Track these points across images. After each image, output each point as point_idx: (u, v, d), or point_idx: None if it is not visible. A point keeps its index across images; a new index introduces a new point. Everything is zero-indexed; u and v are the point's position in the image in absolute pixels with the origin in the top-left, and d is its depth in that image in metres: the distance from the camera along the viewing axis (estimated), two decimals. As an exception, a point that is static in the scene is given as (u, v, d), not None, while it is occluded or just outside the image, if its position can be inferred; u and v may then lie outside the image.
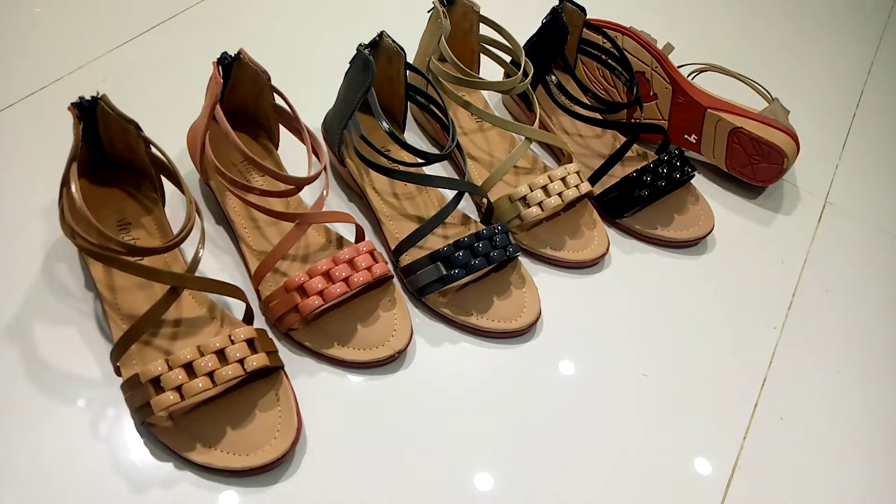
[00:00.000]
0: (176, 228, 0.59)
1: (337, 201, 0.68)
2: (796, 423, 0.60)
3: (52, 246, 0.60)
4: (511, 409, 0.57)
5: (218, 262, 0.62)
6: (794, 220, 0.77)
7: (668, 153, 0.71)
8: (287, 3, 0.90)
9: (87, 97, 0.51)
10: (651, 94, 0.78)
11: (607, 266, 0.68)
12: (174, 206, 0.62)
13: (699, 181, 0.78)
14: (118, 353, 0.49)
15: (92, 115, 0.52)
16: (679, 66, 0.80)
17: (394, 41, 0.62)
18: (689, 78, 0.80)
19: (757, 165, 0.75)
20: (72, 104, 0.51)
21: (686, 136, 0.78)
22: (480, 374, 0.58)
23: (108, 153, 0.58)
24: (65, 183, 0.51)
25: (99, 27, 0.81)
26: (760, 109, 0.76)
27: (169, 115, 0.68)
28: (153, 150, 0.55)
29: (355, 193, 0.68)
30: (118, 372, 0.51)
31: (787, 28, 1.05)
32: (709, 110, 0.75)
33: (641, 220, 0.71)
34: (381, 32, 0.62)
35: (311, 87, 0.69)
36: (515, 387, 0.58)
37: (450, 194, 0.67)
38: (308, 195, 0.64)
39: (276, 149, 0.66)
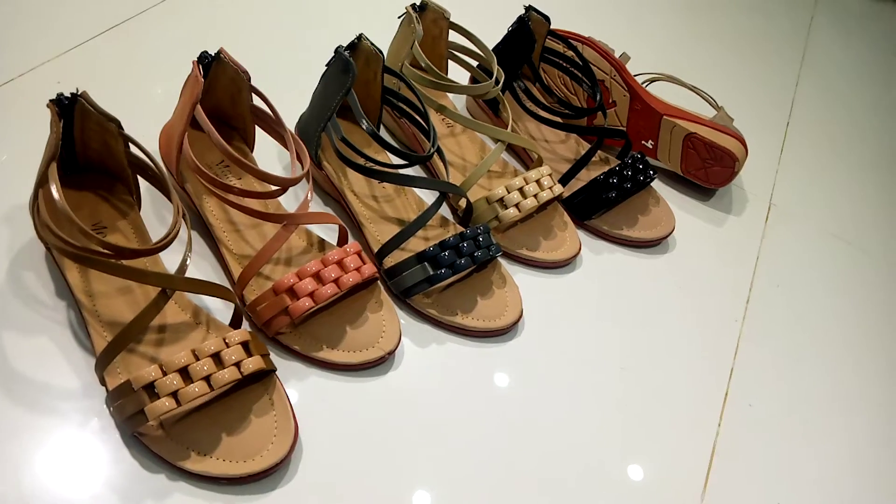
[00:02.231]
0: (152, 232, 0.57)
1: (313, 205, 0.67)
2: (764, 408, 0.64)
3: (17, 253, 0.56)
4: (499, 404, 0.57)
5: (196, 268, 0.60)
6: (744, 221, 0.82)
7: (632, 157, 0.74)
8: (246, 7, 0.89)
9: (67, 94, 0.49)
10: (610, 101, 0.82)
11: (579, 266, 0.70)
12: (147, 210, 0.60)
13: (656, 184, 0.81)
14: (104, 362, 0.47)
15: (70, 112, 0.50)
16: (634, 76, 0.83)
17: (372, 44, 0.62)
18: (644, 86, 0.84)
19: (710, 169, 0.79)
20: (51, 101, 0.49)
21: (643, 142, 0.81)
22: (468, 372, 0.59)
23: (79, 154, 0.55)
24: (42, 183, 0.48)
25: (50, 28, 0.77)
26: (710, 117, 0.80)
27: (131, 117, 0.65)
28: (133, 150, 0.53)
29: (332, 198, 0.68)
30: (102, 382, 0.48)
31: (717, 45, 1.12)
32: (665, 117, 0.79)
33: (608, 221, 0.73)
34: (360, 35, 0.62)
35: (278, 90, 0.68)
36: (502, 383, 0.59)
37: (427, 196, 0.68)
38: (284, 199, 0.63)
39: (252, 151, 0.65)
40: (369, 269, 0.57)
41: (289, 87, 0.69)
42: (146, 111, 0.66)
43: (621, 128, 0.82)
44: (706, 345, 0.67)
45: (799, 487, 0.59)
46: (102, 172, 0.57)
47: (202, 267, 0.60)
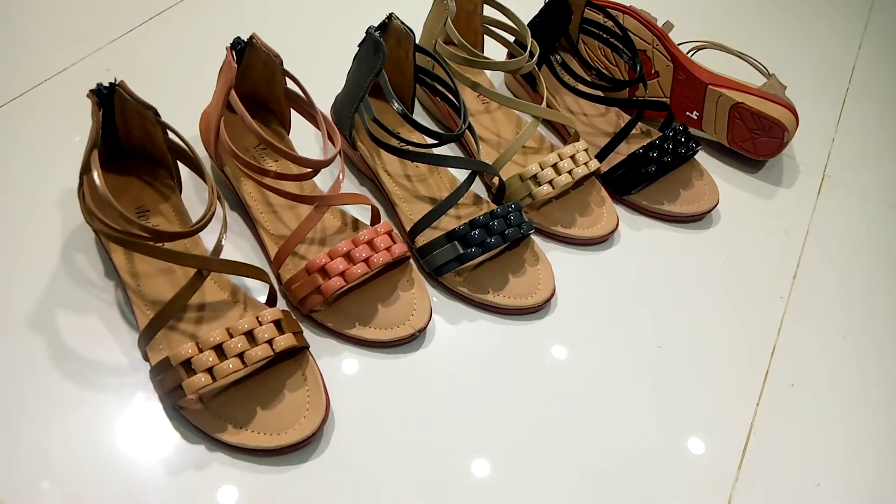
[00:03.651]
0: (193, 215, 0.60)
1: (348, 185, 0.68)
2: (806, 389, 0.62)
3: (69, 236, 0.60)
4: (530, 383, 0.58)
5: (235, 248, 0.62)
6: (795, 193, 0.78)
7: (673, 129, 0.72)
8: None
9: (105, 84, 0.51)
10: (653, 71, 0.79)
11: (617, 242, 0.69)
12: (188, 193, 0.62)
13: (701, 157, 0.79)
14: (146, 338, 0.50)
15: (110, 101, 0.52)
16: (678, 45, 0.81)
17: (403, 23, 0.62)
18: (689, 55, 0.81)
19: (758, 140, 0.76)
20: (91, 91, 0.51)
21: (688, 113, 0.79)
22: (499, 350, 0.59)
23: (123, 141, 0.58)
24: (85, 170, 0.51)
25: (100, 17, 0.80)
26: (759, 85, 0.77)
27: (177, 103, 0.68)
28: (171, 136, 0.55)
29: (366, 177, 0.69)
30: (146, 357, 0.51)
31: (771, 7, 1.07)
32: (710, 87, 0.76)
33: (648, 196, 0.72)
34: (391, 14, 0.63)
35: (317, 71, 0.69)
36: (534, 362, 0.59)
37: (460, 175, 0.68)
38: (320, 179, 0.65)
39: (288, 134, 0.66)
40: (399, 248, 0.57)
41: (327, 69, 0.70)
42: (192, 96, 0.68)
43: (663, 99, 0.80)
44: (748, 322, 0.66)
45: (838, 469, 0.57)
46: (145, 158, 0.59)
47: (241, 247, 0.62)
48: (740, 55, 0.81)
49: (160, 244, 0.51)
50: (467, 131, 0.64)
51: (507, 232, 0.60)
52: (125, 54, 0.77)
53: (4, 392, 0.51)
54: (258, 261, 0.61)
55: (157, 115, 0.54)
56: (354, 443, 0.52)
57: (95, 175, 0.49)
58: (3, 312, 0.54)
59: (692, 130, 0.80)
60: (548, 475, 0.53)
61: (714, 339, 0.64)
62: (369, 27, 0.62)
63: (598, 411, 0.57)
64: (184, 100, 0.67)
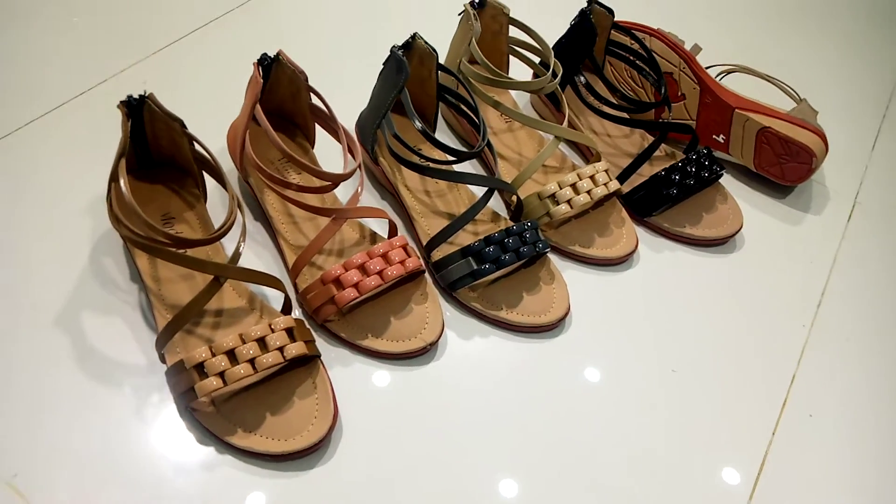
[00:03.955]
0: (217, 223, 0.62)
1: (370, 199, 0.70)
2: (825, 421, 0.60)
3: (98, 240, 0.62)
4: (540, 402, 0.58)
5: (257, 257, 0.64)
6: (824, 220, 0.77)
7: (697, 152, 0.71)
8: (320, 8, 0.92)
9: (136, 96, 0.54)
10: (679, 94, 0.79)
11: (636, 264, 0.69)
12: (214, 203, 0.64)
13: (727, 181, 0.78)
14: (163, 341, 0.52)
15: (139, 112, 0.55)
16: (707, 68, 0.80)
17: (426, 42, 0.64)
18: (717, 79, 0.81)
19: (785, 165, 0.75)
20: (121, 102, 0.53)
21: (714, 136, 0.78)
22: (510, 367, 0.60)
23: (153, 151, 0.60)
24: (113, 178, 0.53)
25: (137, 32, 0.84)
26: (788, 110, 0.76)
27: (208, 116, 0.70)
28: (197, 147, 0.57)
29: (388, 191, 0.70)
30: (163, 359, 0.53)
31: (813, 28, 1.05)
32: (737, 110, 0.76)
33: (670, 218, 0.71)
34: (415, 34, 0.64)
35: (344, 88, 0.71)
36: (545, 381, 0.59)
37: (479, 192, 0.68)
38: (342, 192, 0.66)
39: (312, 147, 0.68)
40: (413, 262, 0.58)
41: (353, 86, 0.72)
42: (224, 109, 0.70)
43: (687, 121, 0.79)
44: (768, 350, 0.64)
45: (858, 504, 0.56)
46: (173, 167, 0.61)
47: (263, 256, 0.64)
48: (769, 79, 0.80)
49: (182, 251, 0.53)
50: (486, 149, 0.65)
51: (521, 249, 0.60)
52: (163, 67, 0.80)
53: (28, 387, 0.53)
54: (278, 270, 0.63)
55: (184, 126, 0.56)
56: (361, 452, 0.53)
57: (122, 183, 0.51)
58: (33, 311, 0.57)
59: (719, 154, 0.80)
60: (555, 496, 0.53)
61: (731, 365, 0.63)
62: (393, 46, 0.63)
63: (609, 433, 0.57)
64: (215, 113, 0.70)
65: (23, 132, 0.71)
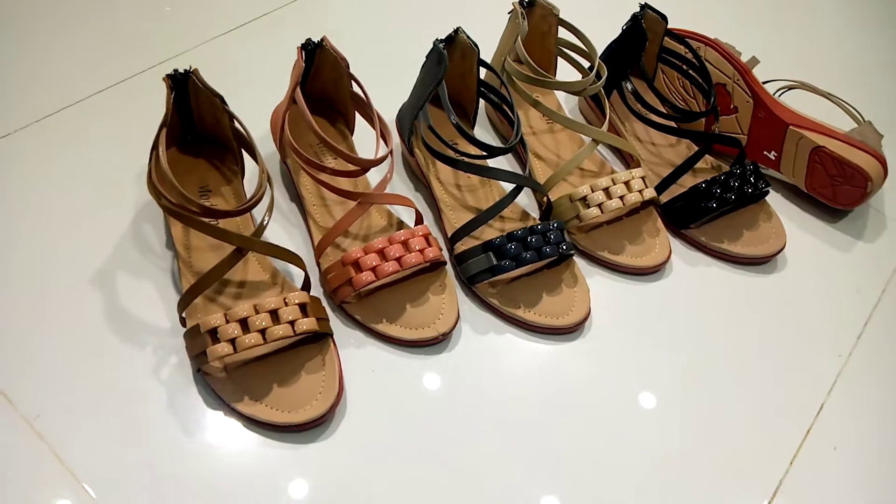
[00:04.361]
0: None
1: (403, 189, 0.71)
2: (850, 456, 0.57)
3: (141, 208, 0.65)
4: (548, 405, 0.57)
5: (288, 235, 0.65)
6: (876, 249, 0.73)
7: (742, 166, 0.69)
8: (378, 4, 0.94)
9: (182, 70, 0.56)
10: (731, 107, 0.77)
11: (667, 275, 0.67)
12: (252, 180, 0.66)
13: (776, 200, 0.75)
14: (184, 304, 0.54)
15: (184, 86, 0.57)
16: (766, 82, 0.78)
17: (468, 37, 0.64)
18: (778, 95, 0.78)
19: (838, 187, 0.72)
20: (166, 75, 0.56)
21: (765, 153, 0.76)
22: (521, 366, 0.59)
23: (197, 125, 0.63)
24: (154, 147, 0.56)
25: (195, 20, 0.88)
26: (847, 130, 0.73)
27: (260, 102, 0.72)
28: (236, 124, 0.60)
29: (422, 183, 0.71)
30: (183, 322, 0.55)
31: (886, 48, 1.00)
32: (790, 127, 0.73)
33: (708, 232, 0.69)
34: (458, 28, 0.65)
35: (394, 79, 0.72)
36: (556, 384, 0.58)
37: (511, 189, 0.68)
38: (376, 179, 0.67)
39: (352, 134, 0.70)
40: (433, 251, 0.59)
41: (400, 79, 0.73)
42: (274, 94, 0.72)
43: (737, 135, 0.77)
44: (798, 376, 0.62)
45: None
46: (215, 143, 0.64)
47: (294, 236, 0.66)
48: (831, 97, 0.77)
49: (213, 221, 0.55)
50: (519, 147, 0.65)
51: (544, 249, 0.60)
52: (217, 54, 0.83)
53: (58, 336, 0.56)
54: (306, 250, 0.64)
55: (224, 102, 0.58)
56: (361, 434, 0.54)
57: (160, 152, 0.54)
58: (71, 268, 0.60)
59: (770, 172, 0.77)
60: (552, 498, 0.52)
61: (757, 387, 0.60)
62: (436, 39, 0.64)
63: (617, 447, 0.55)
64: (265, 98, 0.72)
65: (83, 105, 0.75)
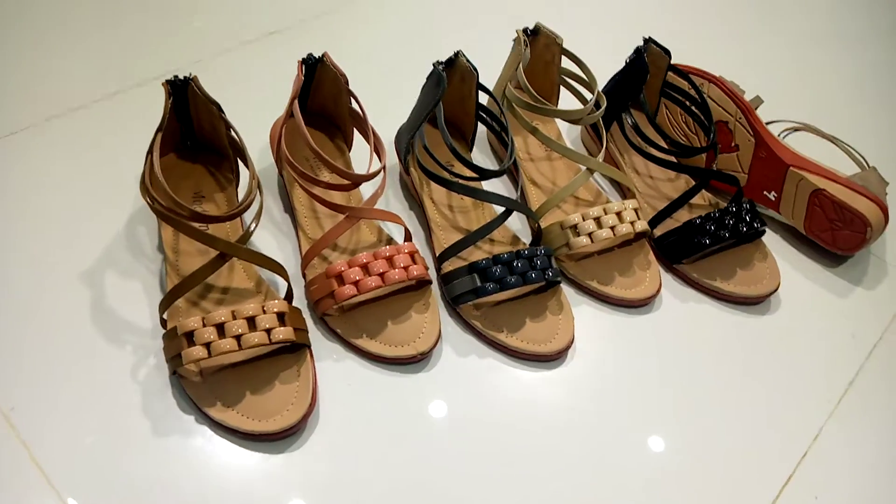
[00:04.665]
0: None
1: (398, 206, 0.71)
2: (832, 504, 0.56)
3: (137, 210, 0.66)
4: (524, 431, 0.56)
5: (278, 245, 0.66)
6: (875, 296, 0.72)
7: (738, 204, 0.69)
8: (390, 30, 0.96)
9: (182, 77, 0.58)
10: (733, 144, 0.77)
11: (655, 309, 0.67)
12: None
13: (775, 241, 0.75)
14: (165, 305, 0.54)
15: (184, 93, 0.59)
16: (770, 122, 0.78)
17: (468, 61, 0.65)
18: (782, 136, 0.78)
19: (838, 231, 0.71)
20: (165, 81, 0.57)
21: (765, 193, 0.75)
22: (500, 391, 0.59)
23: (196, 132, 0.64)
24: (149, 151, 0.57)
25: (205, 34, 0.90)
26: (850, 174, 0.72)
27: (270, 114, 0.73)
28: (232, 132, 0.61)
29: (416, 203, 0.71)
30: (164, 324, 0.55)
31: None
32: (791, 168, 0.72)
33: (701, 268, 0.69)
34: (458, 52, 0.65)
35: (398, 100, 0.73)
36: (531, 411, 0.58)
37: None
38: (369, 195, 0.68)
39: (349, 150, 0.70)
40: (418, 269, 0.59)
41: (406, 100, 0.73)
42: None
43: (738, 174, 0.76)
44: (784, 420, 0.60)
45: None
46: (213, 150, 0.65)
47: (285, 247, 0.66)
48: (836, 141, 0.76)
49: (203, 227, 0.56)
50: (513, 170, 0.65)
51: (529, 274, 0.60)
52: (235, 67, 0.85)
53: (42, 329, 0.57)
54: (295, 262, 0.65)
55: (221, 110, 0.59)
56: (330, 448, 0.53)
57: (155, 156, 0.55)
58: (63, 264, 0.61)
59: (770, 213, 0.76)
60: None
61: (738, 431, 0.59)
62: (435, 61, 0.65)
63: (592, 480, 0.54)
64: (274, 110, 0.73)
65: (91, 108, 0.77)
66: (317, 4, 0.97)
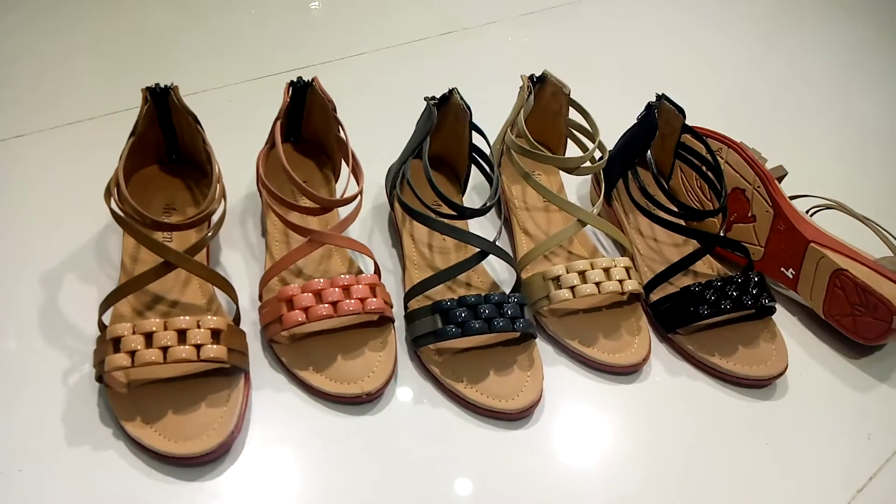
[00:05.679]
0: (223, 229, 0.63)
1: (380, 240, 0.68)
2: None
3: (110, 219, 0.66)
4: (473, 494, 0.51)
5: (246, 267, 0.64)
6: (901, 396, 0.63)
7: (746, 276, 0.62)
8: (406, 76, 0.95)
9: (163, 86, 0.57)
10: (749, 214, 0.71)
11: (641, 380, 0.60)
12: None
13: (790, 322, 0.67)
14: (103, 308, 0.52)
15: (164, 102, 0.58)
16: (797, 196, 0.71)
17: (462, 99, 0.63)
18: (811, 213, 0.71)
19: (859, 318, 0.63)
20: (145, 87, 0.57)
21: (783, 269, 0.69)
22: (448, 445, 0.53)
23: (181, 145, 0.63)
24: (121, 156, 0.57)
25: (239, 58, 0.91)
26: (878, 257, 0.65)
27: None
28: (208, 145, 0.59)
29: (398, 239, 0.68)
30: (101, 327, 0.53)
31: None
32: (812, 244, 0.66)
33: (699, 341, 0.62)
34: (452, 89, 0.63)
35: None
36: (480, 473, 0.52)
37: (487, 260, 0.64)
38: (359, 226, 0.65)
39: (336, 180, 0.68)
40: (376, 303, 0.55)
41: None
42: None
43: (752, 246, 0.70)
44: (772, 521, 0.52)
45: None
46: (195, 164, 0.64)
47: (251, 268, 0.64)
48: (867, 221, 0.69)
49: (167, 238, 0.54)
50: (497, 213, 0.61)
51: (495, 321, 0.55)
52: (253, 93, 0.86)
53: (-11, 326, 0.56)
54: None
55: (198, 121, 0.58)
56: (249, 481, 0.49)
57: (121, 163, 0.54)
58: (24, 266, 0.61)
59: (787, 291, 0.69)
60: None
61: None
62: (430, 96, 0.63)
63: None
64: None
65: (94, 122, 0.78)
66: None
